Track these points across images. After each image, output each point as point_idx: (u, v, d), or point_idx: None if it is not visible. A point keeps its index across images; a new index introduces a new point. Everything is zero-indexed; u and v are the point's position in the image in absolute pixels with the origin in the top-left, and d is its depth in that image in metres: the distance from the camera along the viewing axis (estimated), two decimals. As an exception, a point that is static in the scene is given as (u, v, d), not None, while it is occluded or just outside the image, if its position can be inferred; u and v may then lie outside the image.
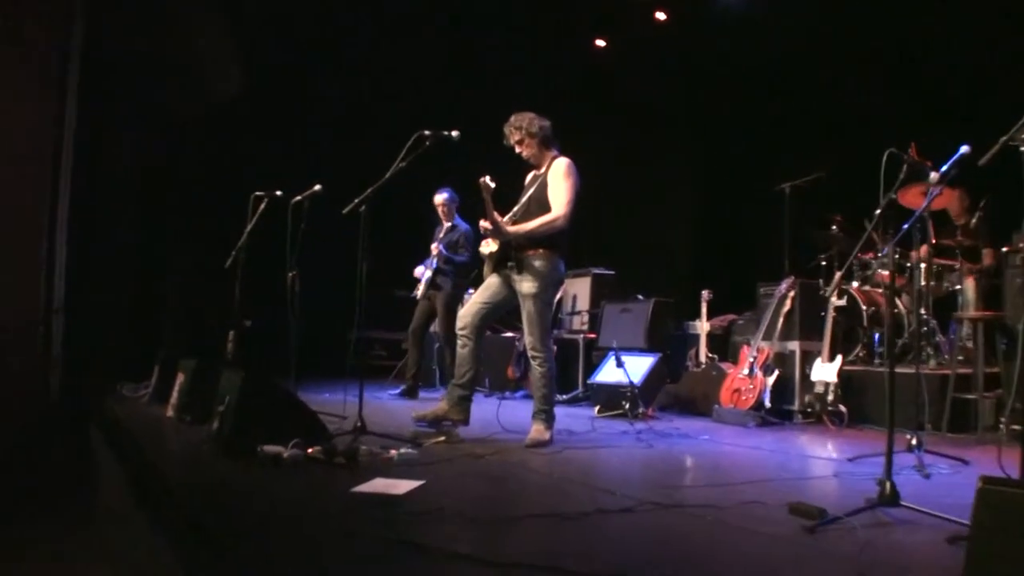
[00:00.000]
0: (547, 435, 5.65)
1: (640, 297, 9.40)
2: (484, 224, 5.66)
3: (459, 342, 5.86)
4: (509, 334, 9.90)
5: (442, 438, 5.55)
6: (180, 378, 6.41)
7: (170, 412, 6.37)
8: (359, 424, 5.31)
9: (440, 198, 9.04)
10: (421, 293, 8.95)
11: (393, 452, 4.77)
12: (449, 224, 9.10)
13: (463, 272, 8.97)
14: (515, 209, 5.89)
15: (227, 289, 7.12)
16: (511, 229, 5.68)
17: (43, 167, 8.62)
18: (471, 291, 8.56)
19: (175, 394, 6.41)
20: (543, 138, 5.82)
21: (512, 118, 5.83)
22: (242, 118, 10.73)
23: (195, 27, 9.89)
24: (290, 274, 6.59)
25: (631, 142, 11.76)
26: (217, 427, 4.95)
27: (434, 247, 8.94)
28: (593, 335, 9.59)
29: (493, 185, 5.45)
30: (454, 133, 5.41)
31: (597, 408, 7.88)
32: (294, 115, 11.46)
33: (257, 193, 7.09)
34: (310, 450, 4.53)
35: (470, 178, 5.72)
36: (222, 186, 9.43)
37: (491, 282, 5.89)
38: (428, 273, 8.87)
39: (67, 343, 8.71)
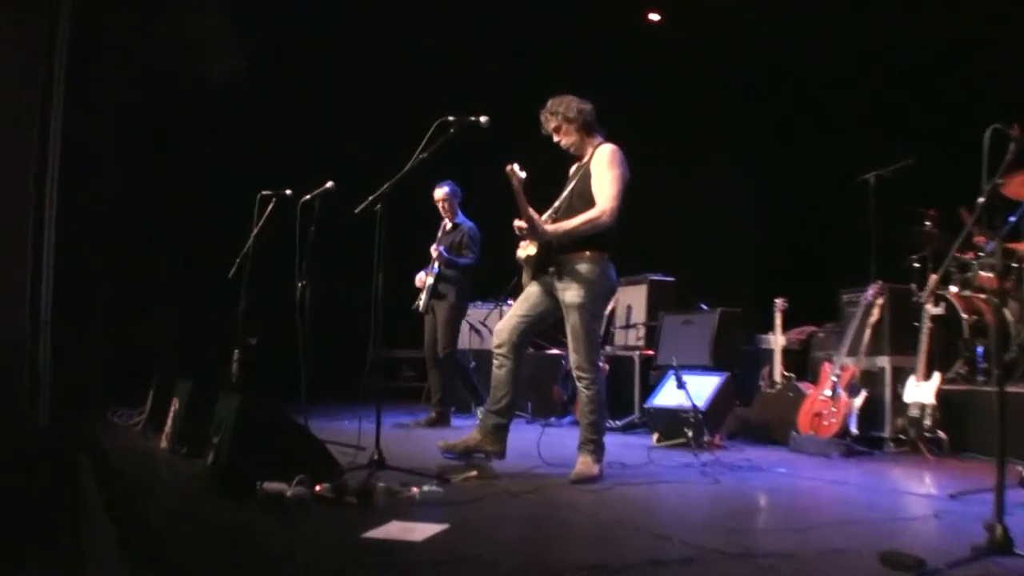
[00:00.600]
0: (595, 469, 5.49)
1: (704, 307, 9.24)
2: (519, 224, 5.53)
3: (495, 361, 5.75)
4: (555, 351, 9.74)
5: (473, 473, 5.42)
6: (175, 404, 6.34)
7: (164, 442, 6.30)
8: (376, 457, 5.18)
9: (440, 192, 8.90)
10: (423, 304, 8.79)
11: (415, 490, 4.65)
12: (451, 223, 8.96)
13: (470, 276, 8.81)
14: (556, 205, 5.78)
15: (230, 302, 7.08)
16: (549, 228, 5.56)
17: (28, 168, 8.63)
18: (510, 302, 8.39)
19: (169, 422, 6.34)
20: (583, 123, 5.72)
21: (549, 103, 5.75)
22: (246, 111, 10.69)
23: (189, 16, 9.86)
24: (300, 284, 6.47)
25: (691, 128, 11.55)
26: (212, 460, 4.85)
27: (433, 249, 8.80)
28: (650, 352, 9.43)
29: (523, 174, 5.32)
30: (482, 119, 5.26)
31: (655, 436, 7.73)
32: (303, 105, 11.40)
33: (264, 192, 7.03)
34: (318, 487, 4.43)
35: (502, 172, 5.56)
36: (224, 186, 9.39)
37: (530, 292, 5.78)
38: (430, 280, 8.74)
39: (55, 362, 8.70)
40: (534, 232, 5.57)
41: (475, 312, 10.35)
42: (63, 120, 8.72)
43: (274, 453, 4.55)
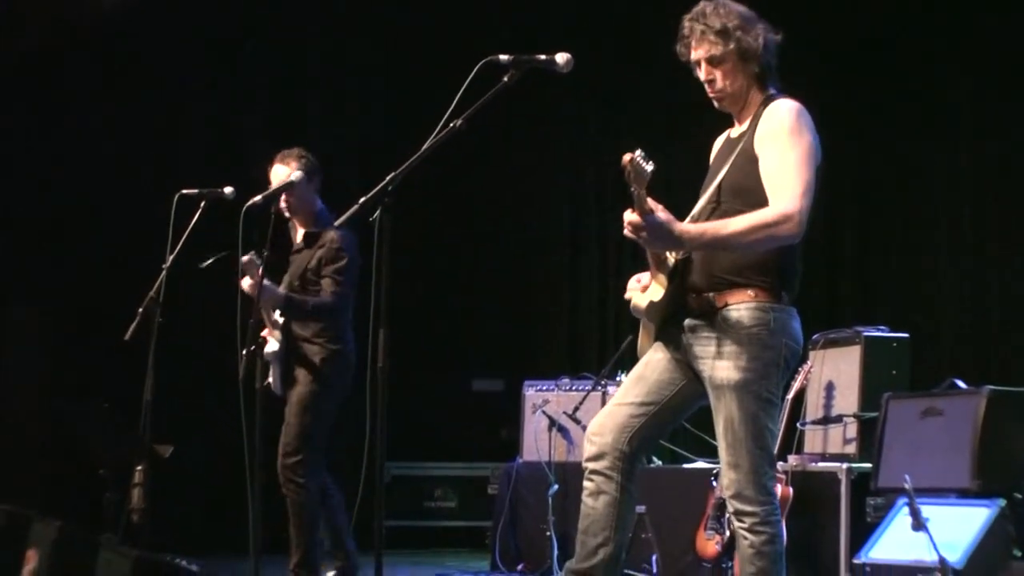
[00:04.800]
0: None
1: (961, 384, 6.73)
2: (633, 220, 3.63)
3: (587, 485, 3.93)
4: (700, 463, 7.12)
5: None
6: (30, 561, 4.95)
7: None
8: None
9: (285, 170, 5.50)
10: (276, 382, 5.60)
11: None
12: (308, 230, 5.67)
13: (336, 326, 5.59)
14: (694, 212, 3.92)
15: (126, 386, 5.59)
16: (692, 230, 3.72)
17: None
18: (620, 377, 6.09)
19: (19, 589, 5.17)
20: (766, 65, 3.92)
21: (704, 5, 3.90)
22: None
23: None
24: (244, 352, 4.86)
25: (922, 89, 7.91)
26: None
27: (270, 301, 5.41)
28: (867, 465, 6.88)
29: (650, 167, 3.53)
30: (559, 58, 3.79)
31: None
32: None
33: (185, 192, 5.41)
34: None
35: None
36: (106, 178, 7.43)
37: (652, 363, 3.93)
38: (273, 345, 5.59)
39: None
40: (660, 236, 3.60)
41: (557, 397, 7.43)
42: None
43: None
